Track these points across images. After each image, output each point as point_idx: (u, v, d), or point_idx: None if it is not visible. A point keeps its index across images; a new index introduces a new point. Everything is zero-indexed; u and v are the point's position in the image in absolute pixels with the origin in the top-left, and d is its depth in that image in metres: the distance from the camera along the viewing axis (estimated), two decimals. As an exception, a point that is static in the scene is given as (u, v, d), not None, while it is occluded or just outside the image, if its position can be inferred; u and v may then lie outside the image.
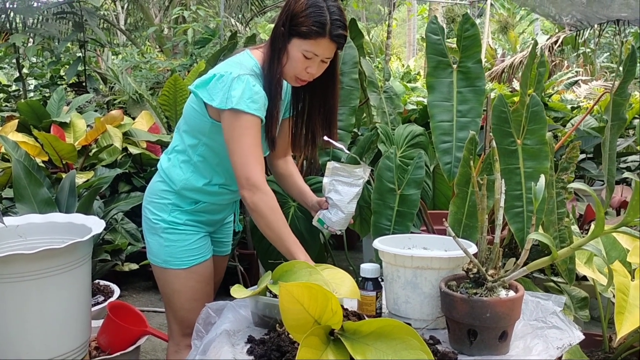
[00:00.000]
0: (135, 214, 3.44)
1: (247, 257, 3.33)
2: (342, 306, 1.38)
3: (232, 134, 1.61)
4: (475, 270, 1.34)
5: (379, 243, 1.54)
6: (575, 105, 7.10)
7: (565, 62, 13.40)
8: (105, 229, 3.14)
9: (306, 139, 1.83)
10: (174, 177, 1.76)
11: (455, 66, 2.13)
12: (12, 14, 5.52)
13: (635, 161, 4.95)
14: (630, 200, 1.17)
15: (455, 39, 2.21)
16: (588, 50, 13.45)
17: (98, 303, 2.64)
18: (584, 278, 2.53)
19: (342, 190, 1.70)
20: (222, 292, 2.08)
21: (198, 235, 1.79)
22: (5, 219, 1.74)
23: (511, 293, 1.32)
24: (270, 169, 1.95)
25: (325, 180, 1.73)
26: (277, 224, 1.62)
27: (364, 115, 3.12)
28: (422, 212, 2.38)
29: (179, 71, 5.46)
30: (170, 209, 1.76)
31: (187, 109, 1.74)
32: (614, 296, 1.80)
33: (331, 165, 1.72)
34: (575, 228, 2.28)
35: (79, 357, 1.67)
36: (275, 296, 1.41)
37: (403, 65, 13.73)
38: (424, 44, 2.19)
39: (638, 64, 2.13)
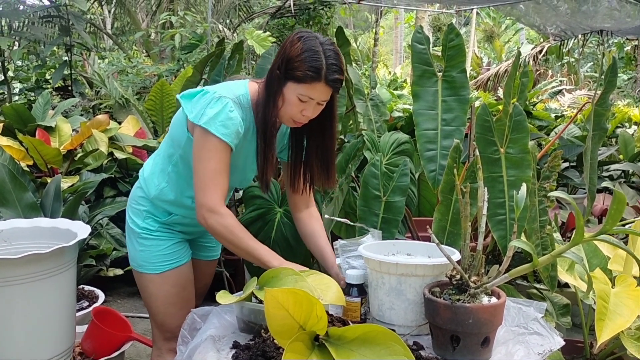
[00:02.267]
0: (120, 219, 3.42)
1: (233, 263, 3.33)
2: (327, 312, 1.39)
3: (198, 155, 1.61)
4: (458, 276, 1.36)
5: (363, 249, 1.55)
6: (559, 114, 7.20)
7: (550, 71, 13.56)
8: (90, 234, 3.13)
9: (304, 180, 1.81)
10: (149, 185, 1.77)
11: (440, 75, 2.16)
12: (-3, 17, 5.50)
13: (617, 170, 5.02)
14: (609, 208, 1.20)
15: (441, 48, 2.24)
16: (572, 59, 13.62)
17: (83, 308, 2.63)
18: (566, 285, 2.56)
19: (358, 265, 1.65)
20: (208, 298, 2.08)
21: (172, 241, 1.79)
22: (-11, 223, 1.73)
23: (493, 299, 1.34)
24: (294, 222, 1.92)
25: (338, 261, 1.69)
26: (239, 240, 1.61)
27: (351, 122, 3.14)
28: (407, 219, 2.40)
29: (166, 76, 5.46)
30: (144, 216, 1.78)
31: (174, 117, 1.75)
32: (595, 303, 1.83)
33: (338, 244, 1.69)
34: (557, 236, 2.31)
35: (63, 362, 1.67)
36: (260, 302, 1.42)
37: (390, 73, 13.80)
38: (411, 52, 2.21)
39: (619, 75, 2.17)
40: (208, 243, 1.99)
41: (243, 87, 1.67)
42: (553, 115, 6.38)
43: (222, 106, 1.58)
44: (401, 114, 5.03)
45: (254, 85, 1.69)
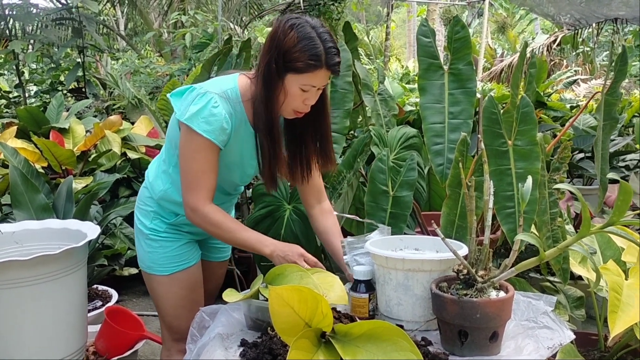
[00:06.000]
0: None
1: (245, 261, 3.34)
2: (334, 308, 1.39)
3: (183, 153, 1.61)
4: (465, 271, 1.35)
5: (370, 245, 1.54)
6: (575, 105, 7.09)
7: (565, 61, 13.39)
8: (104, 234, 3.16)
9: (302, 169, 1.77)
10: (155, 186, 1.77)
11: (446, 68, 2.14)
12: (11, 21, 5.55)
13: (634, 159, 4.95)
14: (615, 200, 1.18)
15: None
16: (587, 49, 13.44)
17: (96, 308, 2.66)
18: (581, 277, 2.53)
19: (365, 262, 1.65)
20: (219, 297, 2.08)
21: (180, 242, 1.79)
22: (1, 225, 1.77)
23: (501, 294, 1.33)
24: (308, 219, 1.90)
25: (345, 258, 1.68)
26: (228, 235, 1.63)
27: (360, 117, 3.13)
28: (416, 214, 2.39)
29: (178, 75, 5.49)
30: (152, 217, 1.78)
31: (170, 118, 1.74)
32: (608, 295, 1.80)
33: (345, 242, 1.68)
34: (570, 228, 2.29)
35: (76, 361, 1.68)
36: (267, 299, 1.42)
37: (402, 67, 13.73)
38: (416, 45, 2.19)
39: (635, 63, 2.13)
40: (218, 244, 1.98)
41: (232, 81, 1.64)
42: (568, 106, 6.28)
43: (205, 102, 1.55)
44: (413, 108, 5.00)
45: (244, 78, 1.65)
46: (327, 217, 1.83)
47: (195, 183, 1.59)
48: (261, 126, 1.61)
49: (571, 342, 1.47)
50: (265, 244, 1.61)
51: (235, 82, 1.64)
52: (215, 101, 1.56)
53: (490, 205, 1.35)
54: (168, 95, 1.68)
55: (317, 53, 1.50)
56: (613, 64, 2.10)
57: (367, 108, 2.67)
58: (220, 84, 1.62)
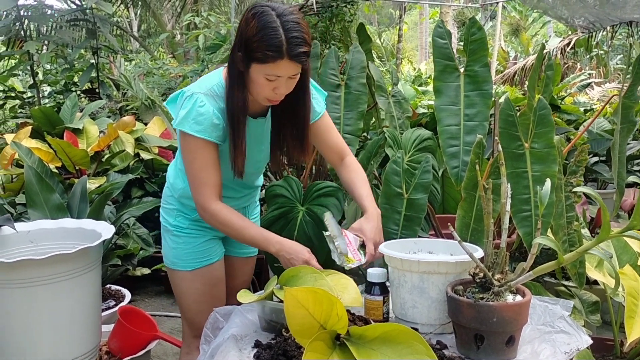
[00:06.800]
0: (147, 219, 3.46)
1: (257, 262, 3.32)
2: (348, 311, 1.38)
3: (184, 157, 1.64)
4: (481, 274, 1.34)
5: (385, 248, 1.54)
6: (589, 108, 7.05)
7: (578, 64, 13.30)
8: (117, 234, 3.17)
9: (281, 155, 1.80)
10: (175, 185, 1.81)
11: (462, 70, 2.13)
12: (26, 22, 5.59)
13: (648, 164, 4.89)
14: (636, 204, 1.16)
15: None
16: (601, 52, 13.34)
17: (109, 308, 2.67)
18: (596, 282, 2.51)
19: (335, 256, 1.65)
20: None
21: (203, 238, 1.82)
22: (17, 224, 1.77)
23: (518, 297, 1.32)
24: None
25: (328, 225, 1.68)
26: (236, 232, 1.63)
27: (373, 119, 3.12)
28: (430, 217, 2.38)
29: (191, 77, 5.51)
30: (175, 214, 1.82)
31: None
32: (625, 300, 1.78)
33: (325, 233, 1.67)
34: (585, 232, 2.26)
35: (89, 361, 1.69)
36: (282, 301, 1.42)
37: (414, 69, 13.70)
38: (432, 47, 2.18)
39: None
40: None
41: (217, 77, 1.64)
42: (582, 109, 6.25)
43: (192, 103, 1.57)
44: (425, 110, 4.99)
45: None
46: (349, 170, 1.84)
47: (199, 182, 1.62)
48: (227, 113, 1.61)
49: (587, 347, 1.46)
50: (272, 242, 1.61)
51: (220, 77, 1.65)
52: (201, 100, 1.58)
53: (508, 208, 1.34)
54: (164, 103, 1.71)
55: (276, 44, 1.46)
56: (630, 67, 2.07)
57: (380, 110, 2.66)
58: (206, 82, 1.64)
